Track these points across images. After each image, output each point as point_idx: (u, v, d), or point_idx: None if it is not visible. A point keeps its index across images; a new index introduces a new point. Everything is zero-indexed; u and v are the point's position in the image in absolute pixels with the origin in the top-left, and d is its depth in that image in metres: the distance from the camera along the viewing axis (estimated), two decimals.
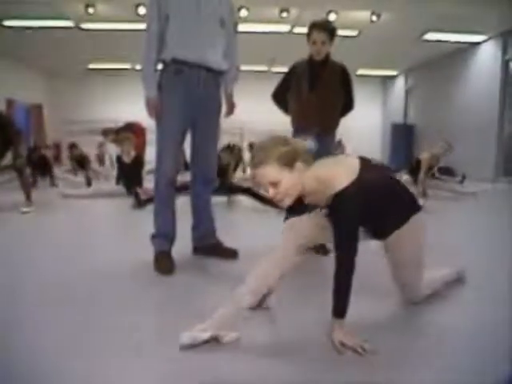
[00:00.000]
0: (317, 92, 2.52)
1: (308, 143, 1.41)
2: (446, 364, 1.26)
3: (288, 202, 1.40)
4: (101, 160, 8.75)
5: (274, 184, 1.35)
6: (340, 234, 1.32)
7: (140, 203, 4.20)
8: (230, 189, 4.42)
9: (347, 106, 2.68)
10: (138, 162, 5.19)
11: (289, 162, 1.33)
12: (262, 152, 1.35)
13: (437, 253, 2.04)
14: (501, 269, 2.26)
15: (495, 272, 2.21)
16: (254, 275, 1.42)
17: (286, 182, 1.34)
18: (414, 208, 1.49)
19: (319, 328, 1.40)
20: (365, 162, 1.41)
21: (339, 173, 1.35)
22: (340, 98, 2.61)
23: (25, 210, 3.94)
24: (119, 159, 5.21)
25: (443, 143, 5.44)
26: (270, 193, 1.38)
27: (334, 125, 2.65)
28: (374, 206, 1.39)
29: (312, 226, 1.48)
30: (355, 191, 1.30)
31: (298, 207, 1.51)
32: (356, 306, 1.36)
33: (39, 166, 6.50)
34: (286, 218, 1.65)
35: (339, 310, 1.32)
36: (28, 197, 4.10)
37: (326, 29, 2.45)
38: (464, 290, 1.91)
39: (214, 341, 1.30)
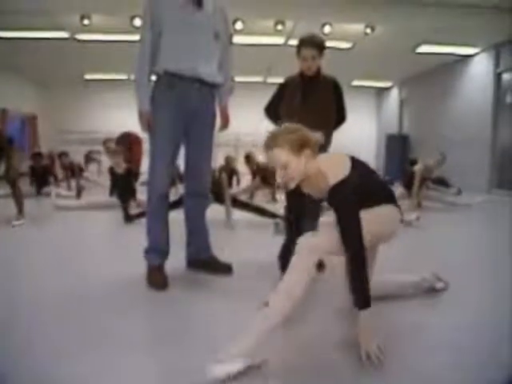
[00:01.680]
0: (309, 106, 2.52)
1: (318, 135, 1.60)
2: (446, 364, 1.26)
3: (292, 185, 1.55)
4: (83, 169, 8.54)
5: (283, 166, 1.51)
6: (343, 221, 1.42)
7: (128, 218, 4.15)
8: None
9: (340, 118, 2.69)
10: (131, 172, 5.15)
11: (297, 148, 1.49)
12: (274, 137, 1.52)
13: (434, 260, 2.03)
14: (500, 272, 2.27)
15: (494, 274, 2.21)
16: (278, 294, 1.36)
17: (293, 165, 1.50)
18: (388, 199, 1.61)
19: (346, 348, 1.38)
20: (354, 160, 1.57)
21: (335, 168, 1.51)
22: (333, 111, 2.61)
23: (16, 223, 3.89)
24: (112, 170, 5.17)
25: (437, 155, 5.44)
26: (278, 174, 1.54)
27: (328, 138, 2.65)
28: (358, 193, 1.49)
29: (327, 242, 1.46)
30: (347, 185, 1.45)
31: (296, 205, 1.66)
32: None
33: (41, 176, 6.51)
34: (286, 218, 1.69)
35: (361, 298, 1.35)
36: (20, 210, 4.04)
37: (314, 44, 2.45)
38: (463, 291, 1.94)
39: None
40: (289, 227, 1.68)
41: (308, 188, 1.61)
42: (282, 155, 1.50)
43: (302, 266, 1.39)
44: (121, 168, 5.02)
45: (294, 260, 1.41)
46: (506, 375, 1.18)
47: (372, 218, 1.48)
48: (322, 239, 1.46)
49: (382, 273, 1.82)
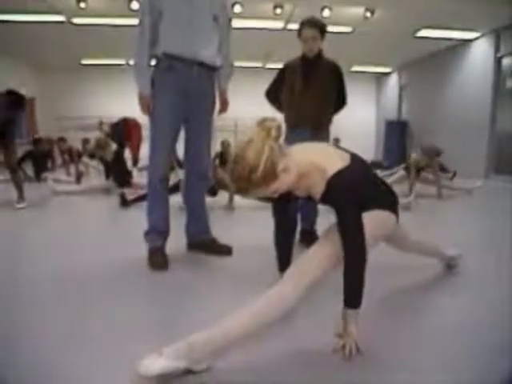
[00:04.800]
0: (310, 89, 2.53)
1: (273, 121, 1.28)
2: (446, 363, 1.26)
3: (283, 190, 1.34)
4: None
5: (272, 193, 1.31)
6: (343, 216, 1.27)
7: (124, 203, 4.18)
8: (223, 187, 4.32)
9: (340, 102, 2.70)
10: (120, 157, 5.17)
11: (271, 176, 1.23)
12: (242, 183, 1.24)
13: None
14: (501, 265, 2.27)
15: (495, 269, 2.22)
16: (248, 312, 1.22)
17: (277, 188, 1.28)
18: (388, 204, 1.47)
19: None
20: (352, 154, 1.42)
21: (332, 158, 1.35)
22: (333, 94, 2.63)
23: (20, 206, 3.93)
24: (101, 157, 5.24)
25: (421, 154, 5.18)
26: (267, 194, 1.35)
27: (328, 121, 2.67)
28: (360, 188, 1.35)
29: (321, 263, 1.30)
30: (349, 174, 1.29)
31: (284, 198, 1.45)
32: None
33: (41, 161, 6.49)
34: (275, 209, 1.61)
35: (353, 298, 1.27)
36: (21, 194, 4.08)
37: (316, 25, 2.47)
38: (463, 288, 1.93)
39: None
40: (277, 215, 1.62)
41: (301, 189, 1.42)
42: (261, 192, 1.27)
43: (279, 300, 1.23)
44: (110, 155, 5.08)
45: (277, 289, 1.25)
46: (506, 376, 1.17)
47: (369, 222, 1.33)
48: (312, 272, 1.28)
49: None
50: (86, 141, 8.79)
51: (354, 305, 1.28)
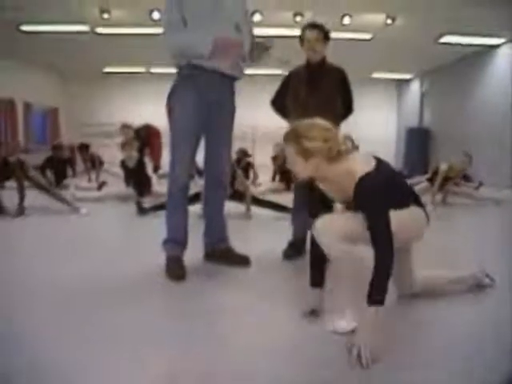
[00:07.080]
0: (316, 96, 2.48)
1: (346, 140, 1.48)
2: (447, 363, 1.25)
3: (302, 177, 1.54)
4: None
5: (289, 164, 1.51)
6: (371, 217, 1.37)
7: (142, 211, 4.20)
8: (241, 197, 4.29)
9: (347, 109, 2.64)
10: (142, 164, 5.19)
11: (304, 156, 1.43)
12: (290, 135, 1.48)
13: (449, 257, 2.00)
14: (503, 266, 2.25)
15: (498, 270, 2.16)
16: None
17: (298, 167, 1.48)
18: (414, 200, 1.60)
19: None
20: (378, 158, 1.51)
21: (360, 162, 1.45)
22: (338, 101, 2.56)
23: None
24: (123, 164, 5.25)
25: (463, 157, 5.26)
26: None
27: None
28: (386, 190, 1.43)
29: (345, 222, 1.49)
30: (375, 177, 1.39)
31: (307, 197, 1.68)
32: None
33: (61, 168, 6.56)
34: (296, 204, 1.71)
35: (377, 293, 1.31)
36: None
37: (317, 26, 2.48)
38: (468, 290, 1.91)
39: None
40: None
41: (330, 187, 1.57)
42: (289, 155, 1.49)
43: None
44: (132, 162, 5.08)
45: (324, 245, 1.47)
46: (506, 376, 1.16)
47: (399, 221, 1.42)
48: (341, 222, 1.49)
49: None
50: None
51: (378, 300, 1.30)
